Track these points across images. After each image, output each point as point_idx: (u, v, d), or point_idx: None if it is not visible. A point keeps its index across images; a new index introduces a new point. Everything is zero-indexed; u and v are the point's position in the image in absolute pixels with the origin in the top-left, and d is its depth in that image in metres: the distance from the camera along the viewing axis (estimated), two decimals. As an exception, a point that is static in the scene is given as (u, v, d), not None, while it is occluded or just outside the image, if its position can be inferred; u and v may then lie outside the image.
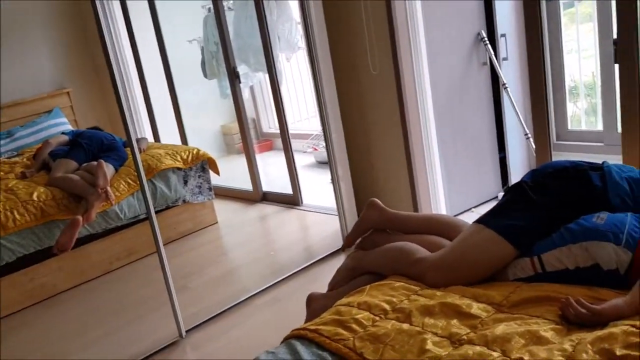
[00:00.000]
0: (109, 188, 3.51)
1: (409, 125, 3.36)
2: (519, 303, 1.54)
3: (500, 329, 1.40)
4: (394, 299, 1.65)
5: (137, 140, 3.82)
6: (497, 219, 1.80)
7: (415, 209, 3.48)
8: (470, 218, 2.93)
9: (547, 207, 1.77)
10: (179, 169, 3.93)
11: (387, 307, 1.61)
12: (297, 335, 1.56)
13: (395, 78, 3.29)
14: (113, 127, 4.23)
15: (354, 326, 1.54)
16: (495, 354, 1.32)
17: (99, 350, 2.81)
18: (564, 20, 3.83)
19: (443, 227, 2.09)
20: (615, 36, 2.56)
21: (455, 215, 3.59)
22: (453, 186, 3.62)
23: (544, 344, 1.33)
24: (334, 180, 3.53)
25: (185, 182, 3.98)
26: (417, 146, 3.39)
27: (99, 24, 2.47)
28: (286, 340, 1.58)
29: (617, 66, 2.61)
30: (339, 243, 3.49)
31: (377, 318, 1.57)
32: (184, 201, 3.98)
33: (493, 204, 1.96)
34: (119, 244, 3.71)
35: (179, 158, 3.94)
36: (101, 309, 3.27)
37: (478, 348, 1.35)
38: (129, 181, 3.65)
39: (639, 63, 2.52)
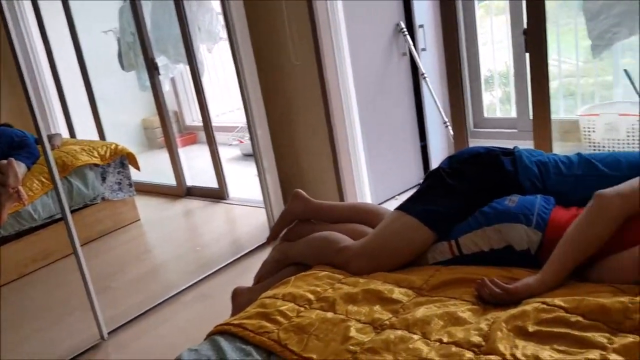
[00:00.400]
0: (20, 187, 3.32)
1: (333, 116, 3.38)
2: (438, 286, 1.58)
3: (421, 312, 1.43)
4: (319, 289, 1.65)
5: (51, 137, 3.63)
6: (417, 205, 1.84)
7: (341, 198, 3.51)
8: (394, 206, 2.98)
9: (463, 192, 1.82)
10: (96, 165, 3.77)
11: (311, 297, 1.61)
12: (221, 331, 1.53)
13: (318, 69, 3.30)
14: (24, 123, 4.00)
15: (279, 318, 1.53)
16: (415, 337, 1.35)
17: (16, 355, 2.66)
18: (479, 12, 3.96)
19: (367, 215, 2.11)
20: (525, 27, 2.67)
21: (379, 203, 3.65)
22: (377, 175, 3.67)
23: (461, 325, 1.37)
24: (260, 173, 3.51)
25: (104, 179, 3.84)
26: (341, 136, 3.42)
27: (2, 14, 2.32)
28: (210, 336, 1.55)
29: (527, 55, 2.73)
30: (266, 235, 3.46)
31: (302, 309, 1.57)
32: (103, 199, 3.83)
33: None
34: (35, 246, 3.53)
35: (96, 154, 3.78)
36: (18, 314, 3.09)
37: (399, 332, 1.37)
38: (43, 179, 3.47)
39: (547, 52, 2.64)
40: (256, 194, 3.71)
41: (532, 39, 2.63)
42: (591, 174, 1.75)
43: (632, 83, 3.34)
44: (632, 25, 2.79)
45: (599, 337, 1.25)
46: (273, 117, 3.56)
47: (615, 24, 2.79)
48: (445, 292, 1.56)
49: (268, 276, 2.05)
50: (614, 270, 1.47)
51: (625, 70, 3.43)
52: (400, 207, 1.88)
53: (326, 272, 1.75)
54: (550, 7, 2.78)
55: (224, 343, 1.46)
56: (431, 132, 3.94)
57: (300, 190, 2.25)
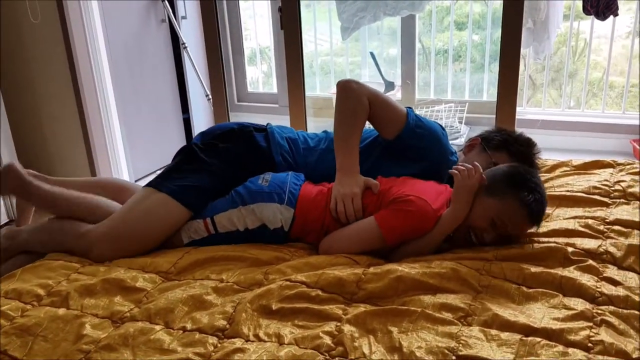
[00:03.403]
0: None
1: (81, 84, 3.06)
2: (186, 268, 1.51)
3: (164, 299, 1.35)
4: (50, 281, 1.46)
5: None
6: (169, 181, 1.75)
7: (93, 174, 3.23)
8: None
9: (218, 167, 1.78)
10: None
11: (41, 291, 1.42)
12: None
13: (62, 30, 2.95)
14: None
15: (-2, 320, 1.31)
16: (157, 327, 1.26)
17: None
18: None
19: (111, 191, 1.94)
20: (280, 3, 2.70)
21: (138, 179, 3.45)
22: (136, 149, 3.46)
23: (207, 308, 1.33)
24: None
25: None
26: (93, 107, 3.13)
27: None
28: None
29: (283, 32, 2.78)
30: (4, 218, 3.05)
31: (29, 306, 1.37)
32: None
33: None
34: None
35: None
36: None
37: (140, 324, 1.27)
38: None
39: (300, 30, 2.72)
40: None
41: (287, 17, 2.68)
42: (332, 147, 1.84)
43: (377, 65, 3.64)
44: (376, 11, 3.02)
45: (336, 309, 1.31)
46: (8, 83, 3.10)
47: (362, 9, 2.99)
48: (192, 273, 1.49)
49: None
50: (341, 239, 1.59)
51: (371, 53, 3.73)
52: (150, 184, 1.76)
53: (61, 262, 1.56)
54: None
55: None
56: (194, 105, 3.84)
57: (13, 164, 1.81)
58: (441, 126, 1.87)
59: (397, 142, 1.77)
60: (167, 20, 3.53)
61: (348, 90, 1.76)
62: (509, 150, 1.81)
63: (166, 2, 3.47)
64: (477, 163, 1.61)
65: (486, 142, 1.85)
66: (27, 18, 2.95)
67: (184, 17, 3.62)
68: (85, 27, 2.98)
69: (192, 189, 1.72)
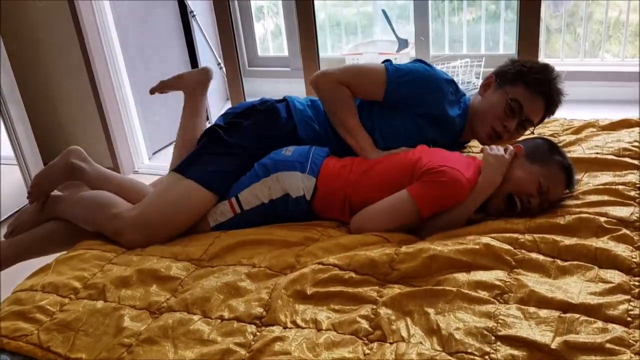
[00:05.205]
0: None
1: (93, 60, 3.03)
2: (217, 254, 1.52)
3: (200, 287, 1.36)
4: (85, 273, 1.47)
5: None
6: (196, 167, 1.74)
7: (113, 154, 3.23)
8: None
9: (243, 147, 1.78)
10: None
11: (77, 284, 1.44)
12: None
13: (70, 9, 2.89)
14: None
15: (38, 316, 1.33)
16: (195, 317, 1.28)
17: None
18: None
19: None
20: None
21: (155, 152, 3.45)
22: (151, 125, 3.45)
23: (242, 295, 1.34)
24: (7, 122, 3.00)
25: None
26: (106, 83, 3.11)
27: None
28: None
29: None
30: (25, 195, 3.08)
31: (66, 300, 1.39)
32: None
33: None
34: None
35: None
36: None
37: (178, 314, 1.29)
38: None
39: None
40: (6, 149, 3.22)
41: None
42: None
43: (390, 23, 3.55)
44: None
45: (370, 291, 1.31)
46: (19, 66, 3.07)
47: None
48: (224, 259, 1.50)
49: (27, 228, 1.79)
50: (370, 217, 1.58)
51: (383, 11, 3.63)
52: (178, 170, 1.75)
53: (93, 251, 1.57)
54: None
55: (-32, 357, 1.23)
56: (205, 73, 3.78)
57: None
58: (447, 76, 1.83)
59: (389, 98, 1.78)
60: (173, -11, 3.45)
61: (321, 85, 1.80)
62: (524, 81, 1.73)
63: (171, -31, 3.39)
64: (508, 146, 1.63)
65: (500, 77, 1.80)
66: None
67: (189, -16, 3.54)
68: (93, 5, 2.92)
69: (218, 173, 1.71)
